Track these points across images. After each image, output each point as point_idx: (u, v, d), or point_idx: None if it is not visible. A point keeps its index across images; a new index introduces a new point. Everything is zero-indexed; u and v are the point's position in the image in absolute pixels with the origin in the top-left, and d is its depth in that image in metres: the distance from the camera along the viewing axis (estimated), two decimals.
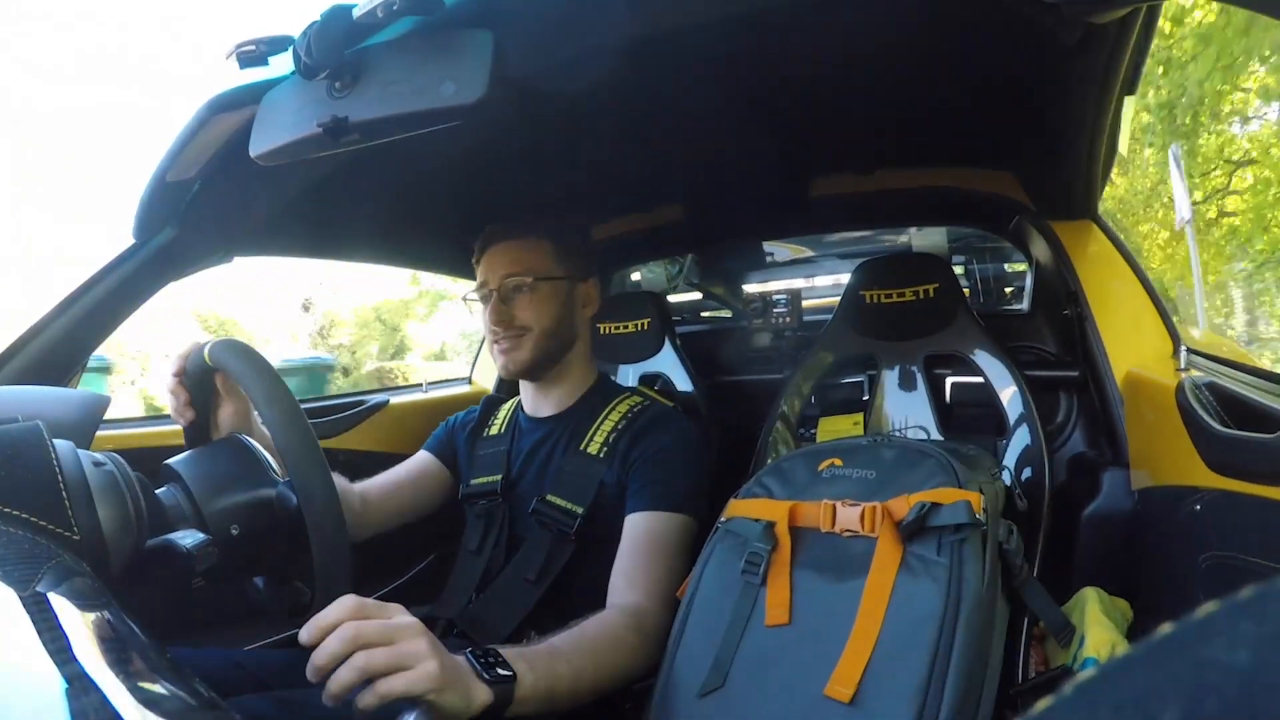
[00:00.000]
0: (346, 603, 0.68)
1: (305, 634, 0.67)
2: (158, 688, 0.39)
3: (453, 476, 1.36)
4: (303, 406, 0.79)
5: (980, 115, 1.17)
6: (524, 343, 1.21)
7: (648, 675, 0.94)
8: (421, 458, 1.37)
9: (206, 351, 0.87)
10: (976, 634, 0.78)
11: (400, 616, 0.70)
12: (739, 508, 1.00)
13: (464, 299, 1.33)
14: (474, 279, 1.30)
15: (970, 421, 1.36)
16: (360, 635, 0.66)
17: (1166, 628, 0.14)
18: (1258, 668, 0.13)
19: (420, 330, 15.42)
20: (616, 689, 0.93)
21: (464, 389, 1.99)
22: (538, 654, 0.82)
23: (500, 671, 0.75)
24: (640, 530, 1.08)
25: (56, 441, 0.62)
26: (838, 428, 1.43)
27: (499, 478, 1.25)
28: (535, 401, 1.31)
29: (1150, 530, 1.01)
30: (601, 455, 1.17)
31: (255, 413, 0.95)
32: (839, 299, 1.49)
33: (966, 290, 1.65)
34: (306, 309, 12.66)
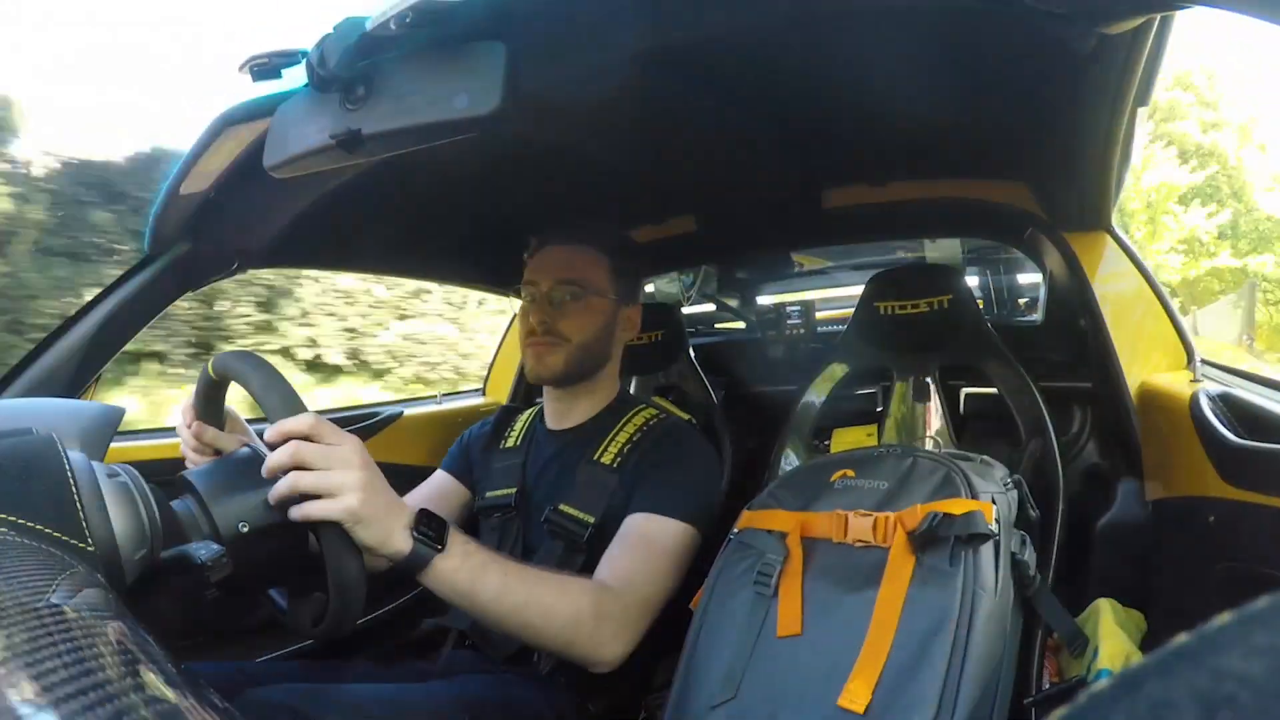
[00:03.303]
0: (305, 419, 0.75)
1: (269, 434, 0.76)
2: (173, 699, 0.39)
3: (471, 492, 1.36)
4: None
5: (993, 126, 1.16)
6: (559, 351, 1.20)
7: (591, 660, 0.93)
8: (439, 477, 1.37)
9: (210, 365, 0.85)
10: (990, 645, 0.77)
11: (345, 445, 0.77)
12: (751, 519, 1.00)
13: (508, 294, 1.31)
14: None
15: (984, 432, 1.35)
16: (298, 455, 0.74)
17: (1181, 638, 0.14)
18: (1272, 678, 0.13)
19: None
20: (546, 644, 0.93)
21: (478, 400, 2.00)
22: (482, 553, 0.87)
23: (430, 536, 0.82)
24: (632, 528, 1.07)
25: (70, 453, 0.62)
26: (851, 439, 1.42)
27: (514, 490, 1.25)
28: (557, 415, 1.31)
29: (1164, 541, 1.00)
30: (615, 465, 1.17)
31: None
32: (853, 310, 1.49)
33: (980, 301, 1.64)
34: None
